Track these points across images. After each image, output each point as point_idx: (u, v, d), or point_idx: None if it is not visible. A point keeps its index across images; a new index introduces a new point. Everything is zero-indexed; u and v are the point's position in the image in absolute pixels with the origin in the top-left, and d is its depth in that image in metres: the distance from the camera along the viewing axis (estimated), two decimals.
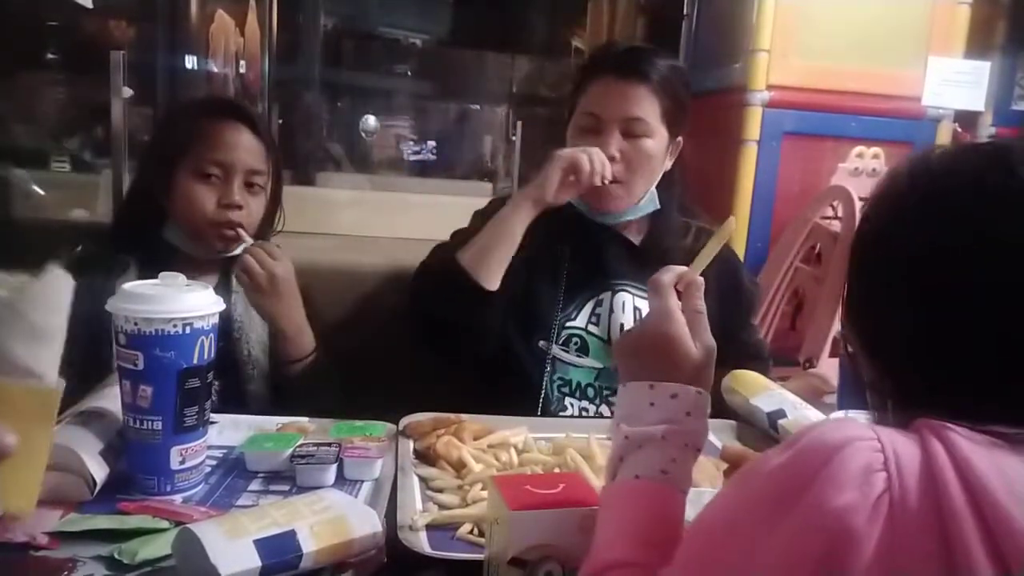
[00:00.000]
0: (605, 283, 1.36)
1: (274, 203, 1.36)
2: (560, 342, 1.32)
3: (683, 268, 0.72)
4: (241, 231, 1.25)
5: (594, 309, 1.35)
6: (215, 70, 3.58)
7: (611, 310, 1.34)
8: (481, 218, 1.39)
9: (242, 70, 3.67)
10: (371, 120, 4.50)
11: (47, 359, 0.62)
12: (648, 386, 0.66)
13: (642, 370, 0.67)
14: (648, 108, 1.29)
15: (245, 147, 1.27)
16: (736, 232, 2.71)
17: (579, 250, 1.36)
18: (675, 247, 1.35)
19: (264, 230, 1.36)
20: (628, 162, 1.30)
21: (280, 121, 3.56)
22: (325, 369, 1.28)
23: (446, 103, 4.89)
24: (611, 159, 1.27)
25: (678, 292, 0.71)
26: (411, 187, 3.88)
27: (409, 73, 4.86)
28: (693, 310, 0.69)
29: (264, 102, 3.40)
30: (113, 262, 1.24)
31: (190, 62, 3.52)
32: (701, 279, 0.71)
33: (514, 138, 4.33)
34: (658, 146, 1.32)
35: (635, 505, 0.62)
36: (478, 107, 4.85)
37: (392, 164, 4.68)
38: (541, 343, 1.32)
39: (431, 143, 4.78)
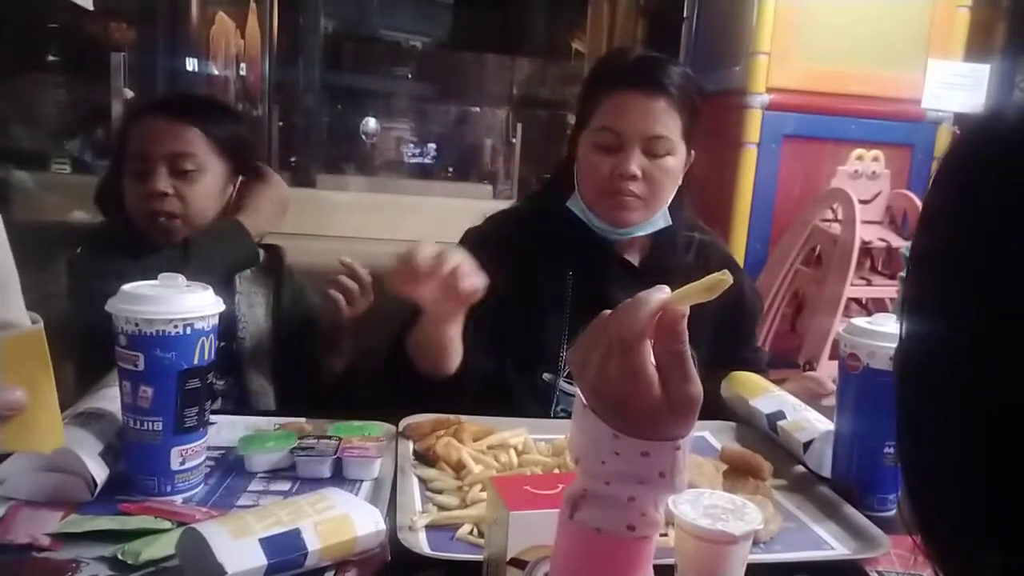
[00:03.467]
0: (604, 308, 1.30)
1: (245, 186, 1.33)
2: (565, 374, 1.27)
3: (668, 294, 0.54)
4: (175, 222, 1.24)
5: None
6: (215, 72, 3.59)
7: None
8: (490, 223, 1.39)
9: (242, 72, 3.68)
10: (372, 122, 4.52)
11: (11, 303, 0.62)
12: (613, 434, 0.52)
13: (600, 403, 0.53)
14: (671, 125, 1.23)
15: (161, 133, 1.25)
16: (736, 235, 2.72)
17: (581, 274, 1.32)
18: (675, 267, 1.30)
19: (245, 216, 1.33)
20: (650, 181, 1.24)
21: (281, 123, 3.56)
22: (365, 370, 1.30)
23: (446, 105, 4.90)
24: (632, 178, 1.22)
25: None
26: (411, 189, 3.89)
27: (409, 76, 4.87)
28: (668, 350, 0.52)
29: (265, 104, 3.41)
30: (112, 264, 1.22)
31: (191, 64, 3.53)
32: (685, 311, 0.53)
33: (514, 140, 4.34)
34: (678, 163, 1.27)
35: (595, 557, 0.54)
36: (478, 109, 4.86)
37: (393, 166, 4.69)
38: (546, 376, 1.28)
39: (431, 145, 4.79)
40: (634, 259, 1.34)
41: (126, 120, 1.33)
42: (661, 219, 1.30)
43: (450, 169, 4.77)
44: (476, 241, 1.37)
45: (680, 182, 1.31)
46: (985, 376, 0.34)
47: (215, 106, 1.41)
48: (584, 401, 0.54)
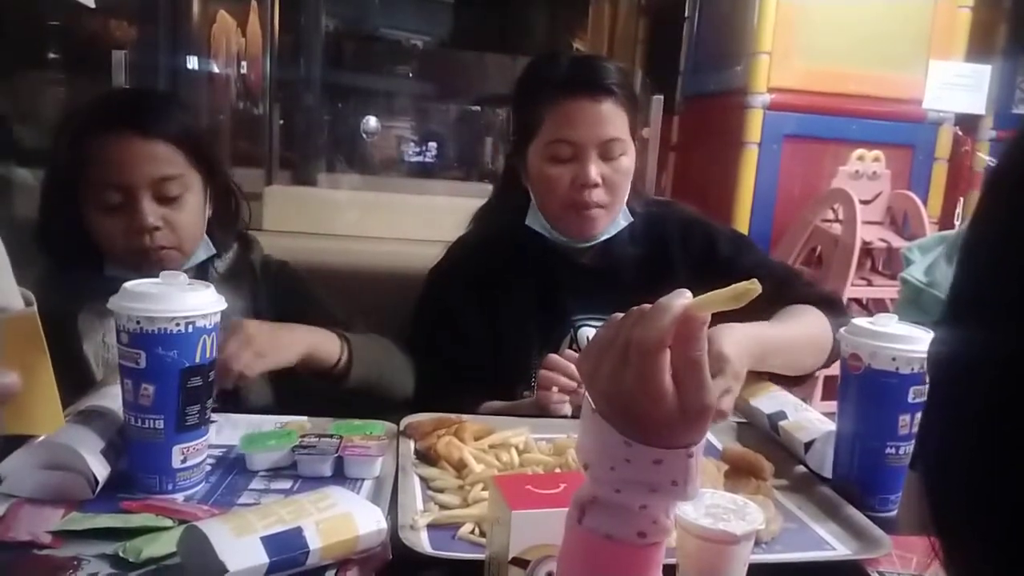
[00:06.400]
0: (567, 319, 1.31)
1: (223, 197, 1.23)
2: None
3: (690, 299, 0.52)
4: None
5: (569, 347, 1.29)
6: (216, 70, 3.59)
7: (577, 348, 1.28)
8: (477, 221, 1.39)
9: (243, 71, 3.68)
10: (372, 121, 4.51)
11: (3, 286, 0.62)
12: (624, 441, 0.51)
13: (611, 410, 0.52)
14: (621, 125, 1.22)
15: (140, 157, 1.09)
16: None
17: (545, 288, 1.31)
18: (633, 254, 1.30)
19: (222, 231, 1.24)
20: (610, 186, 1.23)
21: (282, 122, 3.56)
22: (369, 352, 1.18)
23: (447, 104, 4.89)
24: (594, 186, 1.21)
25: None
26: (412, 188, 3.89)
27: (410, 74, 4.87)
28: (687, 357, 0.51)
29: (265, 103, 3.41)
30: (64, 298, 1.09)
31: (192, 62, 3.53)
32: (706, 317, 0.51)
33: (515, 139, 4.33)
34: (632, 161, 1.25)
35: (604, 563, 0.53)
36: (479, 108, 4.85)
37: (393, 165, 4.69)
38: (526, 393, 1.25)
39: (432, 144, 4.78)
40: (592, 260, 1.32)
41: (76, 139, 1.10)
42: (622, 218, 1.30)
43: (452, 167, 4.76)
44: (441, 282, 1.38)
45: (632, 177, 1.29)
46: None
47: (173, 105, 1.19)
48: (593, 406, 0.53)
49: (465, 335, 1.30)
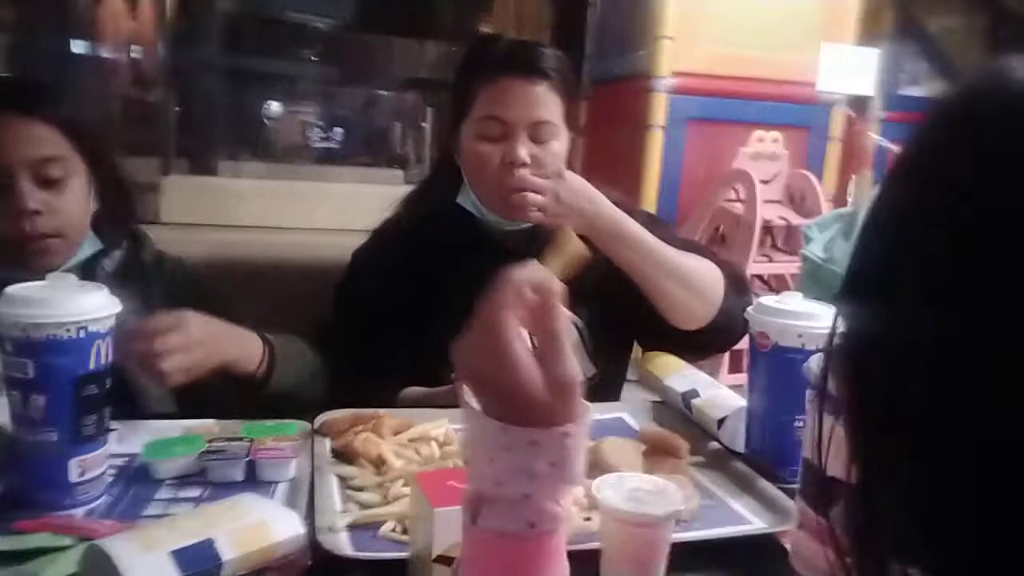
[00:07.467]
0: None
1: (111, 189, 1.16)
2: None
3: (533, 271, 0.51)
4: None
5: None
6: (105, 55, 3.40)
7: None
8: (406, 204, 1.36)
9: (136, 55, 3.50)
10: (274, 106, 4.37)
11: None
12: (500, 427, 0.49)
13: (486, 397, 0.51)
14: (553, 109, 1.22)
15: (18, 137, 1.04)
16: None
17: (474, 273, 1.29)
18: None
19: (111, 226, 1.16)
20: (539, 167, 1.20)
21: (179, 109, 3.40)
22: (289, 356, 1.13)
23: (353, 88, 4.79)
24: (522, 165, 1.18)
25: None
26: (319, 175, 3.80)
27: (314, 58, 4.74)
28: (546, 330, 0.51)
29: (161, 89, 3.26)
30: None
31: (77, 46, 3.33)
32: (561, 286, 0.51)
33: (424, 124, 4.30)
34: (563, 148, 1.24)
35: (501, 558, 0.52)
36: (386, 93, 4.77)
37: (299, 151, 4.57)
38: (452, 376, 1.18)
39: (339, 130, 4.68)
40: (519, 246, 1.27)
41: None
42: None
43: (360, 153, 4.68)
44: (366, 265, 1.34)
45: (565, 167, 1.26)
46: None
47: (53, 87, 1.15)
48: (466, 397, 0.52)
49: (389, 319, 1.27)
